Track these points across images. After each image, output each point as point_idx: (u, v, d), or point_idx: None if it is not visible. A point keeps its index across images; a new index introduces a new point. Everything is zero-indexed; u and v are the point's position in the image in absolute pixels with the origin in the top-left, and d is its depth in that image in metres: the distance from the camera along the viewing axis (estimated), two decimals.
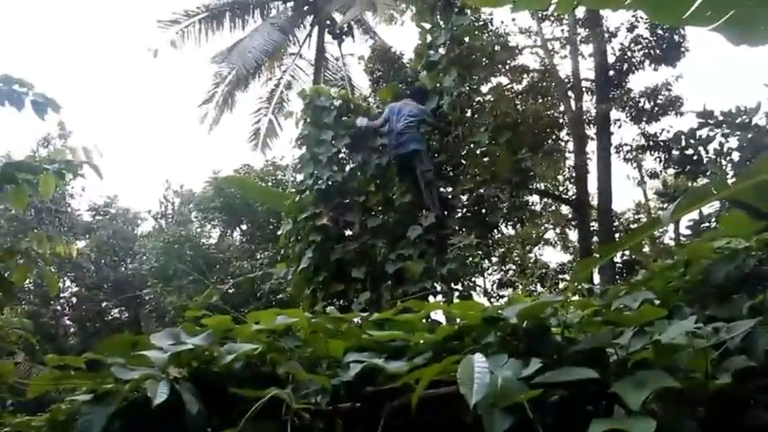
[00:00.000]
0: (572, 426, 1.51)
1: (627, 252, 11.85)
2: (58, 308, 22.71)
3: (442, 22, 7.99)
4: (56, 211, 22.14)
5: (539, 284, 15.74)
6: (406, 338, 2.08)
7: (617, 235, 13.67)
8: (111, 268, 22.60)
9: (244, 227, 20.54)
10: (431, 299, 6.94)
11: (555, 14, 14.01)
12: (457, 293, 7.38)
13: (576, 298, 2.46)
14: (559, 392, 1.55)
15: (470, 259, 7.68)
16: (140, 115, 53.69)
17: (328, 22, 19.79)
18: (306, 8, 20.00)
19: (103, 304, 22.99)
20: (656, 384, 1.47)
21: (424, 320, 2.31)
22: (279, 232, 8.60)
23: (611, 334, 1.77)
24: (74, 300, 23.09)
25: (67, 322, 23.26)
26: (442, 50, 7.88)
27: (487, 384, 1.43)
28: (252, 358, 1.79)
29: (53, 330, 20.94)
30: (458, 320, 2.14)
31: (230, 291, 14.31)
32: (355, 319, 2.26)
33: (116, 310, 23.41)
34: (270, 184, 18.52)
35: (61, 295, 22.49)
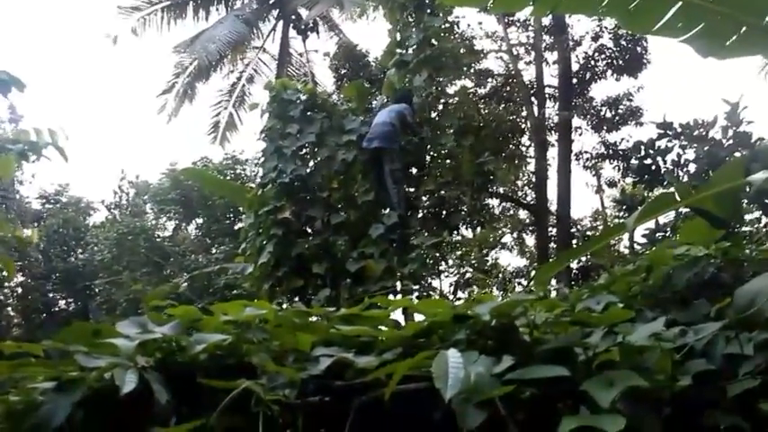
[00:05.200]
0: (542, 422, 1.53)
1: (582, 258, 12.08)
2: (2, 297, 21.98)
3: (412, 21, 8.03)
4: (3, 197, 21.42)
5: (495, 288, 15.93)
6: (374, 334, 2.08)
7: (574, 241, 13.92)
8: (60, 258, 21.95)
9: (200, 220, 20.24)
10: (390, 298, 6.95)
11: (521, 20, 14.20)
12: (416, 294, 7.42)
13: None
14: (530, 390, 1.57)
15: (430, 261, 7.74)
16: (96, 103, 52.41)
17: (293, 17, 19.69)
18: (271, 2, 19.84)
19: (51, 295, 22.33)
20: (625, 383, 1.50)
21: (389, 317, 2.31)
22: (237, 226, 8.53)
23: (581, 334, 1.80)
24: (19, 290, 22.36)
25: (11, 313, 22.52)
26: (411, 50, 7.92)
27: (462, 380, 1.44)
28: (221, 349, 1.76)
29: None
30: (424, 318, 2.15)
31: (184, 285, 14.10)
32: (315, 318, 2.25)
33: (63, 302, 22.77)
34: (228, 178, 18.29)
35: (5, 285, 21.76)
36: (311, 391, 1.78)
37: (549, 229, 14.10)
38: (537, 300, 2.03)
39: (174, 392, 1.54)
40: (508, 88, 14.52)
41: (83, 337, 1.76)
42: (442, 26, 8.24)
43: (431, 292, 8.21)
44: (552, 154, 14.19)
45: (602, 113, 14.19)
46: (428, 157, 8.17)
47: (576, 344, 1.75)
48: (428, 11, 8.03)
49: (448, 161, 8.09)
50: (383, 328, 2.18)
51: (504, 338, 1.86)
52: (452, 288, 12.98)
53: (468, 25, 14.02)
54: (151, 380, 1.47)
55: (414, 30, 8.01)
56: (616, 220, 16.25)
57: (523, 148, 14.47)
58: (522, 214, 16.73)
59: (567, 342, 1.78)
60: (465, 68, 10.86)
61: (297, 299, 7.32)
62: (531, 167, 14.73)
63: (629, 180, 12.23)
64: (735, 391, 1.66)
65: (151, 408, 1.47)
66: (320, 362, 1.79)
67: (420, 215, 8.01)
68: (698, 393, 1.68)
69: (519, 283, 16.04)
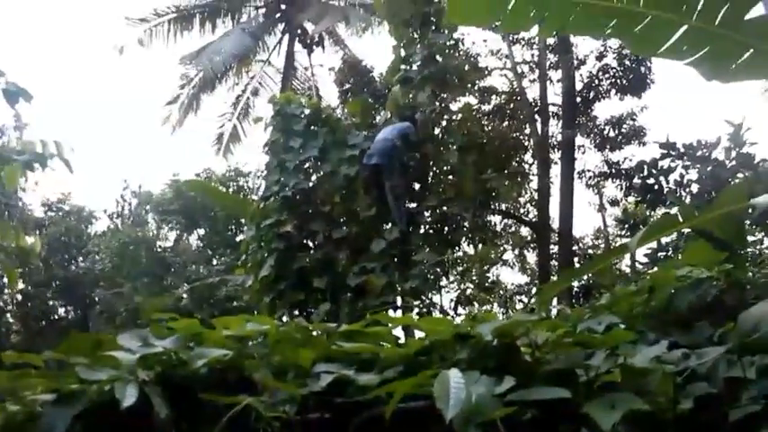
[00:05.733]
0: None
1: (584, 277, 12.04)
2: (1, 304, 21.93)
3: (417, 38, 8.07)
4: (6, 204, 21.42)
5: (495, 304, 15.88)
6: (376, 351, 2.07)
7: (576, 259, 13.86)
8: (61, 266, 21.92)
9: (201, 231, 20.26)
10: (390, 314, 6.93)
11: (526, 39, 14.26)
12: (416, 310, 7.40)
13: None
14: (531, 411, 1.56)
15: (431, 276, 7.73)
16: (101, 112, 52.49)
17: (299, 31, 19.76)
18: (278, 16, 19.96)
19: (50, 303, 22.28)
20: (627, 406, 1.49)
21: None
22: (239, 238, 8.55)
23: (583, 355, 1.80)
24: (19, 297, 22.30)
25: (10, 320, 22.46)
26: (415, 67, 7.96)
27: (463, 400, 1.43)
28: (221, 364, 1.76)
29: None
30: (425, 335, 2.14)
31: (185, 295, 14.11)
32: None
33: (63, 310, 22.72)
34: (231, 189, 18.33)
35: (5, 291, 21.71)
36: (311, 408, 1.78)
37: (551, 246, 14.07)
38: (539, 320, 2.03)
39: (173, 406, 1.53)
40: (512, 106, 14.53)
41: (84, 349, 1.75)
42: (447, 43, 8.28)
43: (431, 308, 8.19)
44: (555, 172, 14.16)
45: (606, 132, 14.20)
46: (431, 173, 8.18)
47: (578, 365, 1.75)
48: (433, 28, 8.08)
49: (450, 177, 8.09)
50: (384, 344, 2.18)
51: (505, 359, 1.85)
52: (453, 304, 12.93)
53: (473, 42, 14.12)
54: (151, 394, 1.46)
55: (418, 46, 8.05)
56: (618, 239, 16.22)
57: (526, 166, 14.48)
58: (524, 231, 16.71)
59: (568, 363, 1.77)
60: (469, 85, 10.93)
61: (297, 312, 7.31)
62: (534, 185, 14.72)
63: (631, 199, 12.25)
64: (737, 415, 1.65)
65: (151, 421, 1.46)
66: (321, 378, 1.78)
67: (422, 231, 8.00)
68: (699, 417, 1.68)
69: (520, 300, 15.98)
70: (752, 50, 2.21)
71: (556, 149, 14.34)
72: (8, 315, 22.37)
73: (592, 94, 13.98)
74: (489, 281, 16.24)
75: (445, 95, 8.29)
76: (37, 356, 1.77)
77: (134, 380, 1.48)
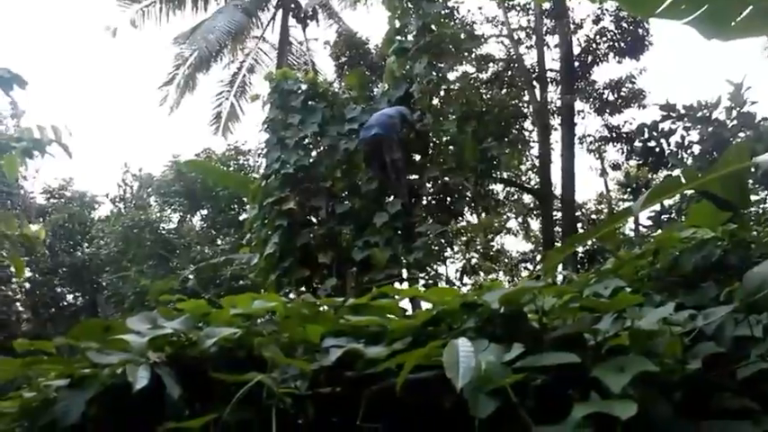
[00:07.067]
0: (552, 409, 1.53)
1: (588, 242, 12.05)
2: (10, 293, 22.06)
3: (411, 8, 7.98)
4: (7, 193, 21.44)
5: (501, 273, 15.93)
6: (384, 323, 2.08)
7: (579, 225, 13.88)
8: (66, 253, 22.01)
9: (204, 212, 20.28)
10: (396, 286, 6.96)
11: (521, 4, 14.10)
12: (422, 281, 7.43)
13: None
14: (540, 377, 1.57)
15: (435, 248, 7.75)
16: (97, 96, 52.30)
17: (293, 5, 19.57)
18: None
19: (58, 290, 22.41)
20: (636, 369, 1.50)
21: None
22: (242, 217, 8.58)
23: (590, 320, 1.80)
24: (27, 285, 22.43)
25: (20, 308, 22.63)
26: (411, 37, 7.89)
27: (473, 368, 1.44)
28: (231, 343, 1.77)
29: (4, 316, 20.35)
30: (432, 306, 2.15)
31: (191, 276, 14.16)
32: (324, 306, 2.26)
33: (71, 296, 22.86)
34: (232, 168, 18.30)
35: (13, 280, 21.83)
36: (322, 383, 1.79)
37: (554, 212, 14.08)
38: (545, 286, 2.03)
39: (185, 387, 1.55)
40: (510, 73, 14.44)
41: (94, 334, 1.76)
42: (442, 12, 8.19)
43: (437, 279, 8.23)
44: (555, 138, 14.14)
45: (605, 96, 14.14)
46: (431, 144, 8.16)
47: (586, 330, 1.75)
48: None
49: (451, 147, 8.07)
50: (392, 317, 2.19)
51: (513, 326, 1.86)
52: (458, 274, 12.97)
53: (468, 10, 13.95)
54: (163, 375, 1.48)
55: (413, 16, 7.97)
56: (620, 203, 16.21)
57: (526, 133, 14.44)
58: (527, 199, 16.71)
59: (576, 329, 1.78)
60: (465, 54, 10.84)
61: (303, 289, 7.35)
62: (535, 152, 14.70)
63: (632, 163, 12.22)
64: (745, 373, 1.66)
65: (164, 402, 1.48)
66: (330, 353, 1.79)
67: (424, 202, 8.01)
68: (708, 377, 1.68)
69: (525, 268, 16.04)
70: (751, 7, 2.18)
71: (555, 115, 14.27)
72: (18, 303, 22.53)
73: (590, 59, 13.88)
74: (494, 249, 16.27)
75: (442, 65, 8.23)
76: (48, 343, 1.79)
77: (145, 362, 1.49)
